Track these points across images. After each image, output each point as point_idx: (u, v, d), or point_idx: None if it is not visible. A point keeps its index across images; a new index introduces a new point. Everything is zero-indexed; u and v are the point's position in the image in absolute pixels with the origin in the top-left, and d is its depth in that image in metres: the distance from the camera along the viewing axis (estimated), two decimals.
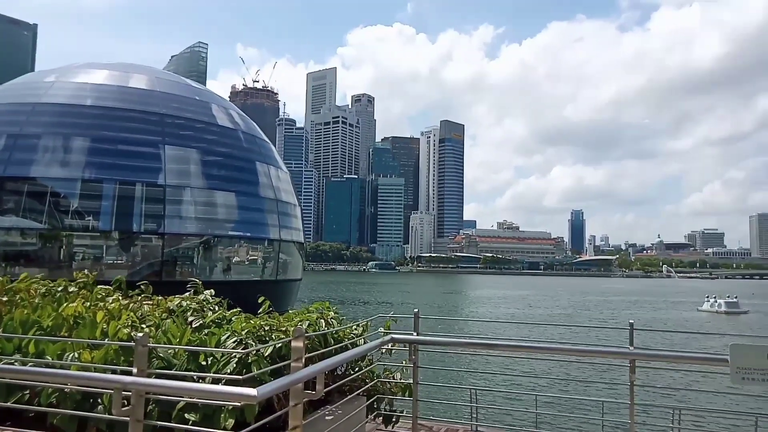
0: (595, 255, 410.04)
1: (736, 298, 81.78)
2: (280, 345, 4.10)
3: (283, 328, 4.32)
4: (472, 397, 8.51)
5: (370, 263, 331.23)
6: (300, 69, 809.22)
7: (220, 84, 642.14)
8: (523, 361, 19.29)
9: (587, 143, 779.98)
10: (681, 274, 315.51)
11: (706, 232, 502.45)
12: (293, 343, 3.77)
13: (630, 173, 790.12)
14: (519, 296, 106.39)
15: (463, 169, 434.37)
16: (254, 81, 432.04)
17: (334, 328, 4.88)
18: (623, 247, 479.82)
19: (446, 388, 11.20)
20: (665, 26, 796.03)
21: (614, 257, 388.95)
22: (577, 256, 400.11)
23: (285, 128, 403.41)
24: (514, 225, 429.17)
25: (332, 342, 4.71)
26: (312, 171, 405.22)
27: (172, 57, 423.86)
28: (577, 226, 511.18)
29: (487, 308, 79.90)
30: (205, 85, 33.44)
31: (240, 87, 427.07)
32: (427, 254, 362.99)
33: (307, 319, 4.71)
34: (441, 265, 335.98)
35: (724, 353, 4.39)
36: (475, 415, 7.96)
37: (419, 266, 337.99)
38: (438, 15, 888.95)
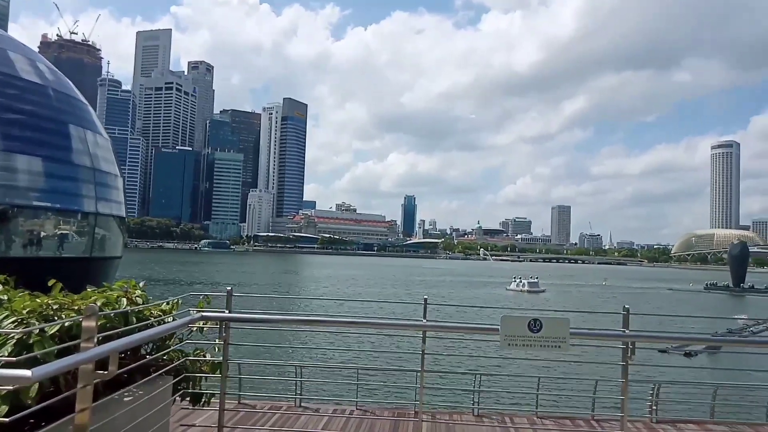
0: (423, 238, 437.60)
1: (537, 278, 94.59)
2: (70, 324, 3.83)
3: (76, 307, 4.04)
4: (296, 373, 8.77)
5: (202, 241, 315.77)
6: (125, 24, 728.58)
7: (26, 31, 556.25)
8: (345, 336, 20.20)
9: (421, 132, 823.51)
10: (495, 257, 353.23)
11: (517, 220, 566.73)
12: (84, 323, 3.57)
13: (457, 163, 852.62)
14: (350, 276, 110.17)
15: (305, 149, 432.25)
16: (72, 33, 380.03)
17: (138, 306, 4.67)
18: (448, 231, 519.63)
19: (269, 366, 11.34)
20: (493, 28, 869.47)
21: (440, 241, 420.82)
22: (408, 239, 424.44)
23: (108, 89, 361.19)
24: (351, 207, 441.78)
25: (135, 321, 4.51)
26: (139, 139, 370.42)
27: None
28: (409, 210, 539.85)
29: (318, 287, 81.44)
30: (6, 31, 28.79)
31: (53, 38, 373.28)
32: (265, 233, 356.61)
33: (107, 298, 4.44)
34: (279, 245, 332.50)
35: (497, 323, 5.11)
36: (298, 391, 8.24)
37: (256, 245, 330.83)
38: None
